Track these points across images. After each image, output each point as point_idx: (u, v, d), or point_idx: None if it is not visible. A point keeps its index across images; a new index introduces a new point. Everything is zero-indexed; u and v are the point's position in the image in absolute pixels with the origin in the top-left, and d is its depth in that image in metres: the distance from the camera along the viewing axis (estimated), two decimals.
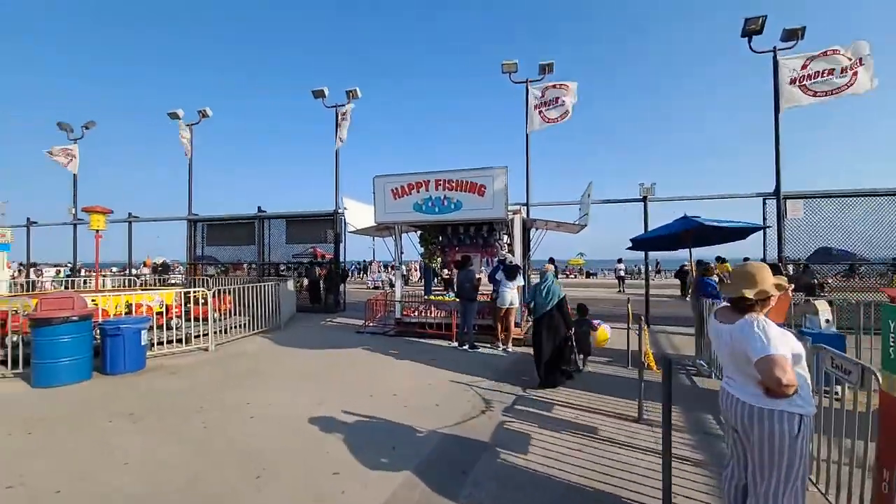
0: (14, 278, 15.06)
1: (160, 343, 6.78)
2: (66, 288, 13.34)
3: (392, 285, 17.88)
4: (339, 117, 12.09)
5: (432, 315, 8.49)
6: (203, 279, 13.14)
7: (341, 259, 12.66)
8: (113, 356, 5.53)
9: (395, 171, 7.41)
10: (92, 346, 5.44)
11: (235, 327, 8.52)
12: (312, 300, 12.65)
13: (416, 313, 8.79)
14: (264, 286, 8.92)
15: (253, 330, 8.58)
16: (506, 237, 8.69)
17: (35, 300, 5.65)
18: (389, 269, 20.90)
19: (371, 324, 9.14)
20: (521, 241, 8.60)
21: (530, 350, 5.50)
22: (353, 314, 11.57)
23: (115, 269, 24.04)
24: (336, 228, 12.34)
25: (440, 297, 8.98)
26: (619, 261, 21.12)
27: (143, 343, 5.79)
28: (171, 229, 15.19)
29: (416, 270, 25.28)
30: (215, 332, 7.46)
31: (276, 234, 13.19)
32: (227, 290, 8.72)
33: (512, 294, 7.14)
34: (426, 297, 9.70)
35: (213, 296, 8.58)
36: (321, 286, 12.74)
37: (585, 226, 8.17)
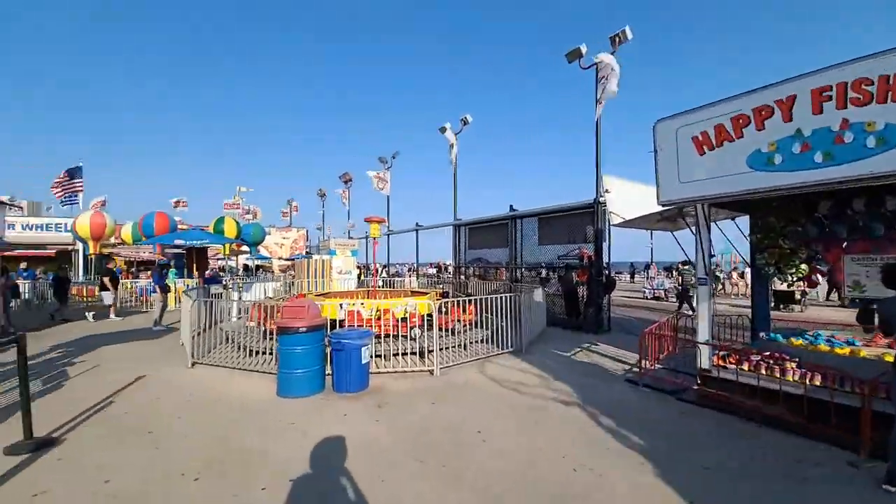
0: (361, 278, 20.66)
1: (382, 357, 6.26)
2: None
3: (683, 300, 13.06)
4: (600, 73, 9.15)
5: (792, 376, 4.29)
6: (460, 283, 13.29)
7: (605, 260, 9.65)
8: (337, 373, 5.11)
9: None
10: (323, 357, 5.18)
11: (471, 343, 7.30)
12: (569, 312, 10.29)
13: (748, 366, 4.78)
14: (502, 297, 7.30)
15: (489, 349, 7.10)
16: None
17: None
18: (675, 274, 15.41)
19: (651, 365, 5.81)
20: None
21: None
22: (619, 338, 8.41)
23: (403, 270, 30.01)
24: (596, 223, 9.47)
25: (816, 347, 4.60)
26: None
27: (364, 361, 5.13)
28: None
29: (738, 278, 18.04)
30: (442, 350, 6.36)
31: (528, 235, 11.67)
32: (469, 300, 7.69)
33: None
34: (767, 337, 5.38)
35: (455, 305, 7.78)
36: (579, 296, 10.19)
37: None
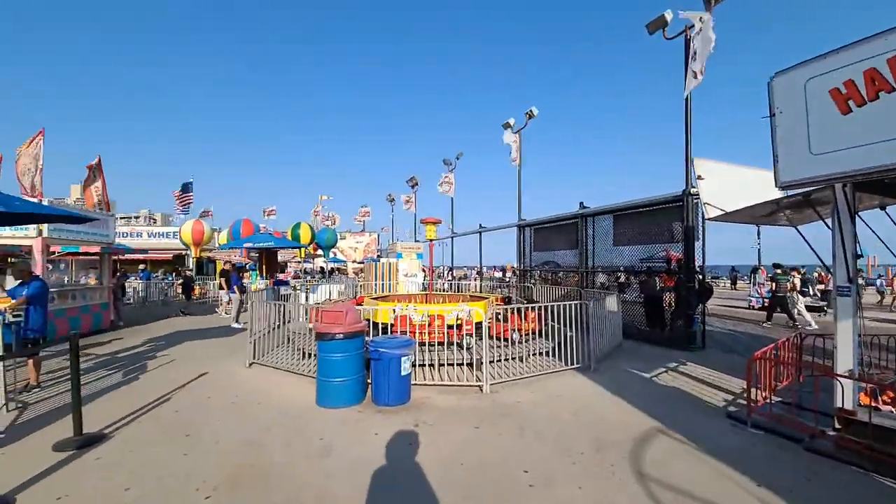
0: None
1: (431, 366, 5.75)
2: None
3: (773, 309, 10.55)
4: (692, 42, 7.71)
5: None
6: (524, 288, 12.36)
7: (697, 262, 8.11)
8: (376, 384, 4.74)
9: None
10: (363, 366, 4.84)
11: (531, 356, 6.49)
12: (651, 323, 8.87)
13: None
14: (567, 305, 6.38)
15: (551, 364, 6.23)
16: None
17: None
18: (765, 278, 12.30)
19: (763, 398, 4.48)
20: None
21: None
22: (716, 358, 6.93)
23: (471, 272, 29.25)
24: (687, 218, 7.99)
25: None
26: None
27: (404, 372, 4.69)
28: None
29: None
30: (495, 362, 5.68)
31: (601, 235, 10.39)
32: (530, 307, 6.92)
33: None
34: None
35: (513, 312, 7.03)
36: (664, 304, 8.72)
37: None
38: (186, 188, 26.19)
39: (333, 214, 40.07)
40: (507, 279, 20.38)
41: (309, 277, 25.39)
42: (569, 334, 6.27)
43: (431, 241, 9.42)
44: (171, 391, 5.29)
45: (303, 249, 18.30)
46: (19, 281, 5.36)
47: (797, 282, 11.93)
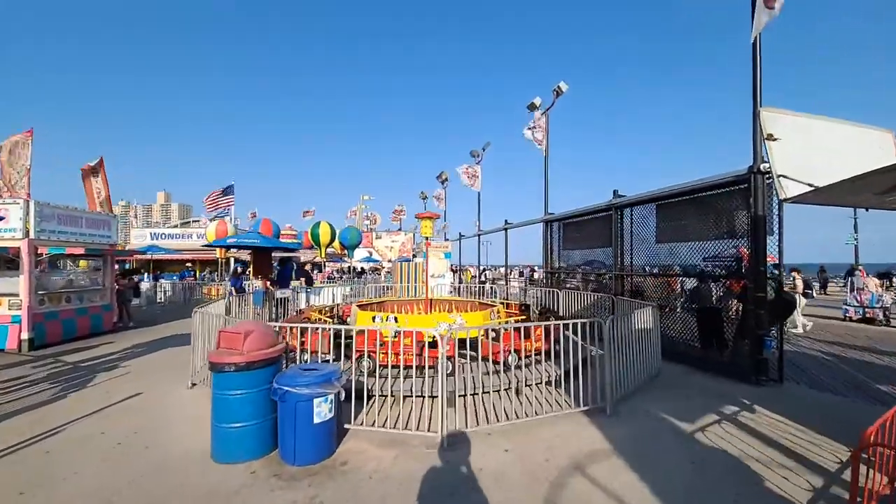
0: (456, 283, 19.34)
1: (393, 397, 4.37)
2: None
3: None
4: None
5: None
6: (546, 293, 10.57)
7: (768, 261, 6.00)
8: (281, 434, 3.50)
9: None
10: (270, 407, 3.62)
11: (528, 386, 4.91)
12: (705, 342, 6.83)
13: None
14: (574, 324, 4.74)
15: (554, 401, 4.61)
16: None
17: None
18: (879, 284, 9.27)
19: (883, 491, 2.61)
20: None
21: None
22: (799, 399, 4.89)
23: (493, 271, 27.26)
24: (757, 203, 5.89)
25: None
26: None
27: (320, 419, 3.41)
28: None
29: None
30: (474, 394, 4.23)
31: (640, 230, 8.40)
32: (536, 324, 5.38)
33: None
34: None
35: (512, 330, 5.51)
36: (722, 318, 6.65)
37: None
38: (227, 191, 27.11)
39: (374, 214, 40.14)
40: (534, 281, 18.50)
41: (345, 278, 25.25)
42: (579, 359, 4.63)
43: (427, 239, 8.08)
44: (80, 417, 4.47)
45: (323, 249, 17.79)
46: None
47: None
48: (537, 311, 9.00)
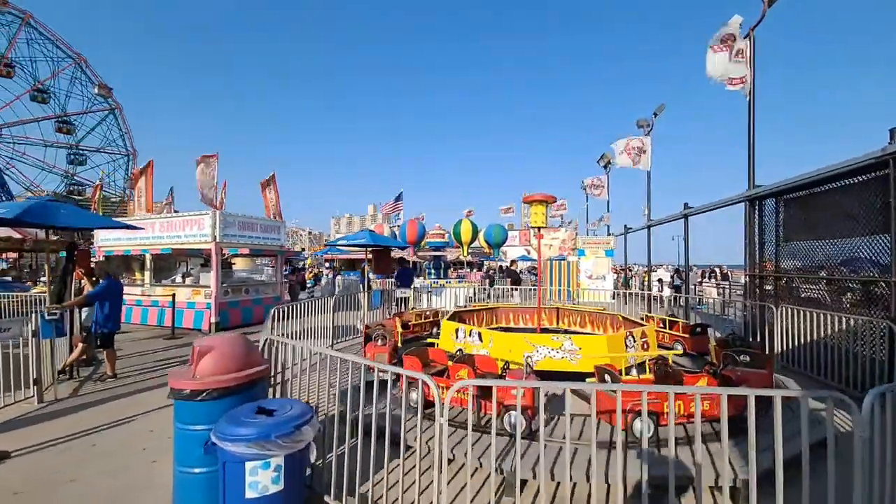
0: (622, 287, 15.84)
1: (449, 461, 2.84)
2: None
3: None
4: None
5: None
6: (755, 307, 6.72)
7: None
8: None
9: None
10: None
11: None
12: None
13: None
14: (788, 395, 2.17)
15: None
16: None
17: None
18: None
19: None
20: None
21: None
22: None
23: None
24: None
25: None
26: None
27: (255, 494, 2.27)
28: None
29: None
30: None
31: None
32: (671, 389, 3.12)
33: None
34: None
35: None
36: None
37: None
38: (398, 198, 30.21)
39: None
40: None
41: (497, 277, 24.55)
42: (804, 444, 2.09)
43: (538, 230, 6.09)
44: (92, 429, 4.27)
45: (465, 248, 17.28)
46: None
47: None
48: (723, 339, 5.72)
